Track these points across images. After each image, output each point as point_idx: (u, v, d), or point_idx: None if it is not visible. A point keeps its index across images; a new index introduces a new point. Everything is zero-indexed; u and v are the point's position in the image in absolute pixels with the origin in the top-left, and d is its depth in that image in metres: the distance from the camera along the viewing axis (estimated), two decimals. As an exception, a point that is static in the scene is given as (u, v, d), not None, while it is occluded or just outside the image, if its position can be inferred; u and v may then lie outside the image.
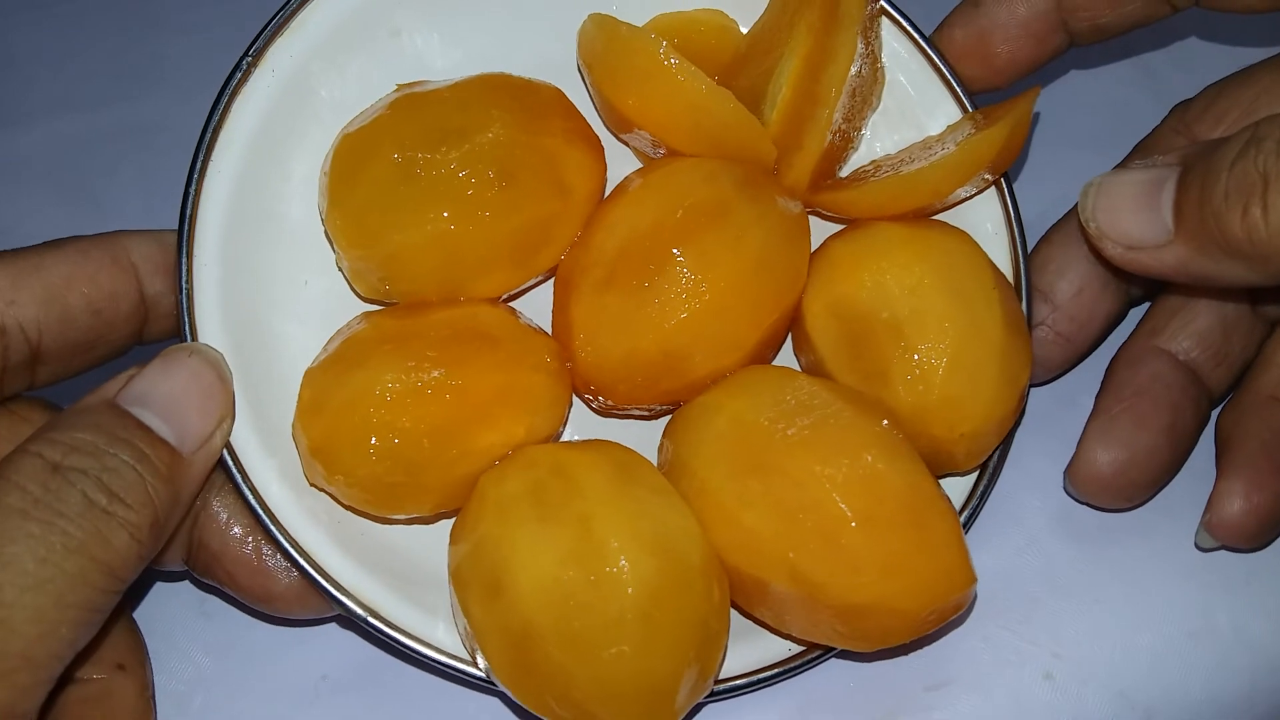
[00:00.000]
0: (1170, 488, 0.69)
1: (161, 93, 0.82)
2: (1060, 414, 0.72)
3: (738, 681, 0.60)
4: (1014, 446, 0.70)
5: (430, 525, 0.62)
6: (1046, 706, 0.65)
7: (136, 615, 0.65)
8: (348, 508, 0.60)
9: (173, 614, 0.66)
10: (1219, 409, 0.67)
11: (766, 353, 0.62)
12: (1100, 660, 0.66)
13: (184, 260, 0.59)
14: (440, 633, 0.59)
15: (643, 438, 0.63)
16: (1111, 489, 0.64)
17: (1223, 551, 0.68)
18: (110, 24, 0.85)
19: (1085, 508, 0.70)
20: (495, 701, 0.65)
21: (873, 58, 0.65)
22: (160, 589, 0.67)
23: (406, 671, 0.65)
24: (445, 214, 0.56)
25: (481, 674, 0.58)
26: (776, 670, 0.60)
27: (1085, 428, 0.65)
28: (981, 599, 0.67)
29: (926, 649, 0.66)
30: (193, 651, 0.65)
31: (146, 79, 0.83)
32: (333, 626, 0.66)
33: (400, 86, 0.60)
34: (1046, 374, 0.70)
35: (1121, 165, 0.66)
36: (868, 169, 0.67)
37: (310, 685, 0.65)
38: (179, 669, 0.65)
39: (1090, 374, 0.73)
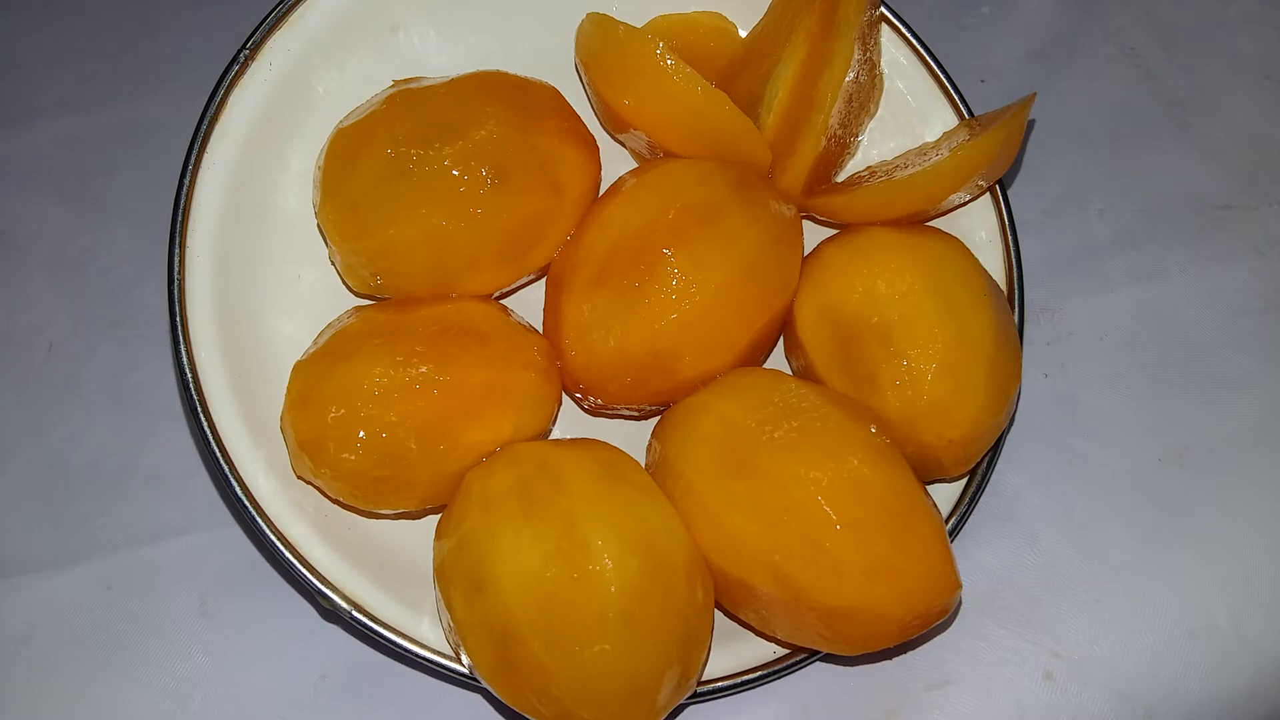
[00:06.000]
0: (1170, 489, 0.70)
1: (161, 93, 0.82)
2: (1060, 414, 0.72)
3: (721, 683, 0.60)
4: (1014, 446, 0.70)
5: (417, 520, 0.62)
6: (1046, 706, 0.65)
7: (137, 615, 0.66)
8: (335, 501, 0.60)
9: (173, 614, 0.66)
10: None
11: (757, 355, 0.62)
12: (1100, 660, 0.66)
13: (176, 250, 0.59)
14: (425, 628, 0.59)
15: (632, 438, 0.63)
16: None
17: (1223, 551, 0.68)
18: (110, 24, 0.85)
19: (1085, 508, 0.70)
20: (498, 703, 0.65)
21: (871, 64, 0.65)
22: (160, 588, 0.67)
23: (406, 671, 0.65)
24: (437, 210, 0.56)
25: (465, 671, 0.58)
26: (760, 673, 0.60)
27: None
28: (981, 599, 0.67)
29: (927, 648, 0.66)
30: (193, 651, 0.65)
31: (146, 79, 0.83)
32: (333, 626, 0.66)
33: (396, 82, 0.61)
34: None
35: None
36: (862, 174, 0.67)
37: (310, 685, 0.65)
38: (179, 669, 0.65)
39: (1090, 374, 0.74)
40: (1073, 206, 0.79)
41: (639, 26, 0.64)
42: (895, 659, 0.65)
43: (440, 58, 0.66)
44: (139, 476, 0.70)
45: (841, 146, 0.65)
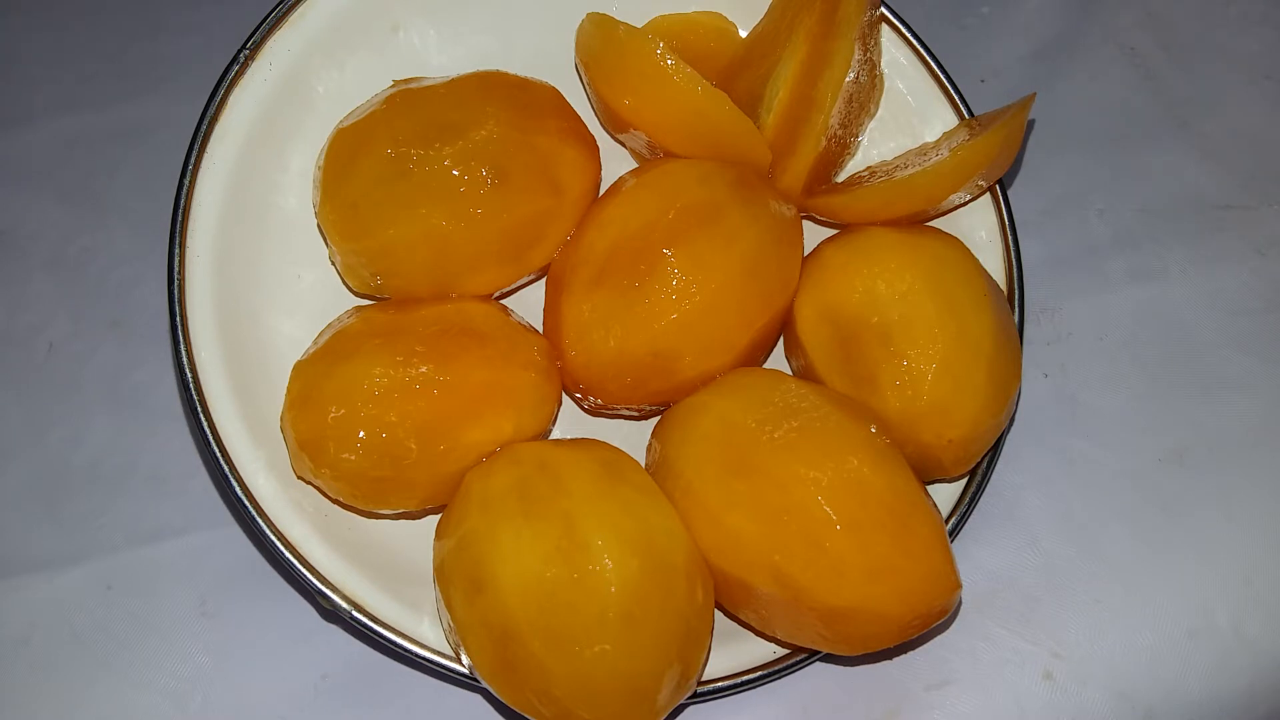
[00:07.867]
0: (1170, 489, 0.70)
1: (161, 93, 0.83)
2: (1060, 414, 0.72)
3: (721, 683, 0.60)
4: (1014, 446, 0.70)
5: (417, 520, 0.62)
6: (1046, 706, 0.65)
7: (137, 615, 0.66)
8: (335, 501, 0.60)
9: (173, 614, 0.66)
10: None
11: (757, 355, 0.62)
12: (1100, 660, 0.66)
13: (176, 250, 0.59)
14: (425, 628, 0.59)
15: (632, 438, 0.63)
16: None
17: (1223, 551, 0.68)
18: (110, 24, 0.85)
19: (1085, 508, 0.70)
20: (498, 703, 0.65)
21: (871, 65, 0.65)
22: (160, 588, 0.67)
23: (406, 671, 0.65)
24: (437, 210, 0.56)
25: (465, 671, 0.58)
26: (761, 673, 0.60)
27: None
28: (981, 599, 0.67)
29: (927, 648, 0.66)
30: (193, 651, 0.65)
31: (146, 79, 0.83)
32: (333, 626, 0.66)
33: (396, 82, 0.61)
34: None
35: None
36: (862, 174, 0.67)
37: (310, 685, 0.65)
38: (179, 669, 0.65)
39: (1090, 374, 0.74)
40: (1073, 206, 0.79)
41: (639, 26, 0.64)
42: (895, 659, 0.65)
43: (440, 58, 0.66)
44: (139, 476, 0.70)
45: (841, 146, 0.65)
